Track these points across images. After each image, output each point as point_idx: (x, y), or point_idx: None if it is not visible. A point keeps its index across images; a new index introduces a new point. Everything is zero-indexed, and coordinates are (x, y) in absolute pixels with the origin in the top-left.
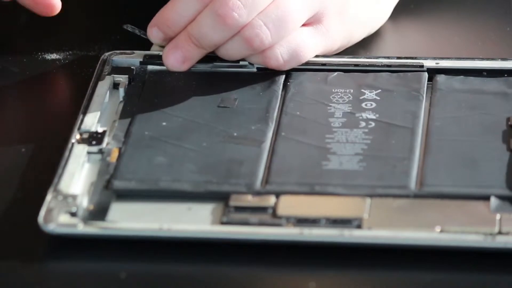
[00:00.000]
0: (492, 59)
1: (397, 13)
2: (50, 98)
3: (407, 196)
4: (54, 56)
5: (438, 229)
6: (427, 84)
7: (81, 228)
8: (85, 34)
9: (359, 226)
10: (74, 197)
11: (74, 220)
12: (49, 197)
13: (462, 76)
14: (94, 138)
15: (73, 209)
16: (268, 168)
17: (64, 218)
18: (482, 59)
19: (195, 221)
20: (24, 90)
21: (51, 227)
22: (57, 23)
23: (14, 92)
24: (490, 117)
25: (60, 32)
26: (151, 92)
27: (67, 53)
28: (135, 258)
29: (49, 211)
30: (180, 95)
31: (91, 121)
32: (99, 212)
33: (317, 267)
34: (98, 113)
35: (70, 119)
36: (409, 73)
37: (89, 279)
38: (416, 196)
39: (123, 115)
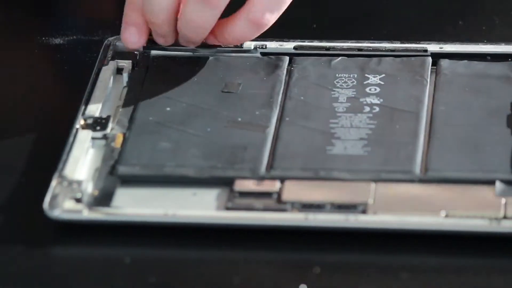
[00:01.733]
0: (496, 43)
1: None
2: (54, 83)
3: (411, 181)
4: (58, 41)
5: (443, 214)
6: (431, 68)
7: (86, 214)
8: (88, 18)
9: (364, 211)
10: (79, 182)
11: (79, 206)
12: (54, 183)
13: (466, 61)
14: (98, 124)
15: (78, 195)
16: (273, 153)
17: (69, 204)
18: (486, 43)
19: (200, 206)
20: (27, 75)
21: (56, 213)
22: (60, 7)
23: (17, 78)
24: (494, 101)
25: (63, 16)
26: (155, 77)
27: (71, 37)
28: (140, 244)
29: (54, 197)
30: (183, 80)
31: (95, 107)
32: (104, 198)
33: (321, 252)
34: (102, 99)
35: (74, 105)
36: (412, 58)
37: (94, 264)
38: (421, 181)
39: (127, 100)
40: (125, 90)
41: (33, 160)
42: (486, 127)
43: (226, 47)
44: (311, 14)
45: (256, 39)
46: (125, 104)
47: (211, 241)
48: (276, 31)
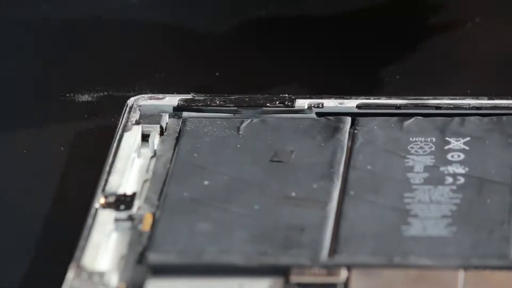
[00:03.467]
0: None
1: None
2: (73, 150)
3: (508, 268)
4: (85, 97)
5: None
6: None
7: None
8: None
9: None
10: (101, 274)
11: None
12: (71, 274)
13: None
14: (122, 202)
15: None
16: (336, 235)
17: None
18: None
19: None
20: (40, 138)
21: None
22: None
23: (29, 141)
24: None
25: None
26: (188, 144)
27: (100, 93)
28: None
29: None
30: (224, 147)
31: (117, 181)
32: None
33: None
34: (126, 171)
35: (94, 179)
36: (504, 117)
37: None
38: None
39: (156, 173)
40: (153, 160)
41: (45, 245)
42: None
43: (273, 107)
44: (376, 66)
45: (311, 97)
46: (154, 178)
47: None
48: (334, 87)
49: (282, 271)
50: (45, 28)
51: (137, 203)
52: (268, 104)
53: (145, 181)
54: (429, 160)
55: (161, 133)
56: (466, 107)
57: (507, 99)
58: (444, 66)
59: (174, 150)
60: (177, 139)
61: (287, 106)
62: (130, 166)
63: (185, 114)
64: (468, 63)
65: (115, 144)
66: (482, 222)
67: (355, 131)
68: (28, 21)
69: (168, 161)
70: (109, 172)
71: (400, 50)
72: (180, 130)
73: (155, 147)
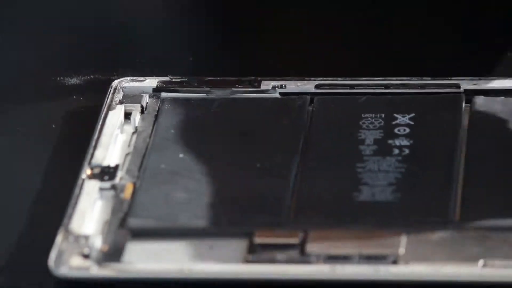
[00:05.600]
0: None
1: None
2: (62, 128)
3: (446, 229)
4: (74, 80)
5: (481, 263)
6: (465, 106)
7: (95, 271)
8: (105, 56)
9: (395, 262)
10: (86, 237)
11: (87, 263)
12: (59, 238)
13: (503, 97)
14: (106, 173)
15: (86, 251)
16: (295, 202)
17: (76, 260)
18: None
19: (217, 260)
20: (33, 117)
21: (63, 271)
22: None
23: (22, 120)
24: None
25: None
26: (166, 121)
27: (88, 77)
28: None
29: (60, 253)
30: (197, 124)
31: (102, 155)
32: (114, 253)
33: None
34: (110, 146)
35: (79, 152)
36: (444, 95)
37: None
38: (457, 228)
39: (137, 147)
40: (134, 136)
41: (37, 212)
42: None
43: (242, 88)
44: (333, 49)
45: (274, 79)
46: (135, 151)
47: None
48: (296, 69)
49: (247, 234)
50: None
51: (119, 174)
52: (237, 85)
53: (127, 154)
54: (378, 134)
55: (142, 111)
56: (411, 86)
57: (448, 79)
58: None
59: (153, 127)
60: (156, 117)
61: (254, 87)
62: (114, 141)
63: (163, 94)
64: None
65: (100, 122)
66: (423, 189)
67: (314, 109)
68: (15, 3)
69: (147, 136)
70: (95, 147)
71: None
72: (158, 109)
73: (136, 124)
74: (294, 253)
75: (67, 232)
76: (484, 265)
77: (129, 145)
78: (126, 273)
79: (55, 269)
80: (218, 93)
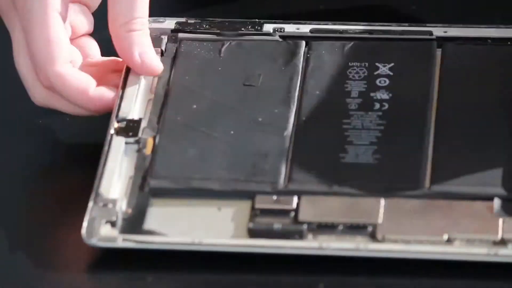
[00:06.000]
0: (497, 26)
1: None
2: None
3: (418, 197)
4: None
5: (445, 237)
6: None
7: (121, 242)
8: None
9: (373, 233)
10: (113, 202)
11: (114, 233)
12: (90, 204)
13: (471, 45)
14: (131, 128)
15: (113, 218)
16: (291, 163)
17: (105, 230)
18: (490, 26)
19: (224, 225)
20: None
21: (94, 241)
22: None
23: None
24: (501, 89)
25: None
26: (182, 66)
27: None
28: (163, 267)
29: (91, 221)
30: (208, 70)
31: (128, 106)
32: (136, 216)
33: (326, 271)
34: (134, 95)
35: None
36: (418, 43)
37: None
38: (426, 196)
39: (157, 94)
40: (155, 80)
41: (67, 171)
42: (493, 126)
43: (247, 31)
44: None
45: (275, 22)
46: (155, 99)
47: (232, 264)
48: (293, 11)
49: (250, 196)
50: None
51: (143, 124)
52: (242, 28)
53: (149, 100)
54: (362, 86)
55: (162, 54)
56: (391, 33)
57: (423, 26)
58: None
59: (171, 72)
60: (173, 59)
61: (257, 30)
62: (137, 89)
63: (181, 35)
64: None
65: (124, 72)
66: (398, 151)
67: (308, 55)
68: None
69: (166, 82)
70: (121, 97)
71: None
72: (176, 50)
73: None
74: (288, 221)
75: (97, 196)
76: (448, 240)
77: (151, 90)
78: (146, 244)
79: (87, 239)
80: (227, 35)
